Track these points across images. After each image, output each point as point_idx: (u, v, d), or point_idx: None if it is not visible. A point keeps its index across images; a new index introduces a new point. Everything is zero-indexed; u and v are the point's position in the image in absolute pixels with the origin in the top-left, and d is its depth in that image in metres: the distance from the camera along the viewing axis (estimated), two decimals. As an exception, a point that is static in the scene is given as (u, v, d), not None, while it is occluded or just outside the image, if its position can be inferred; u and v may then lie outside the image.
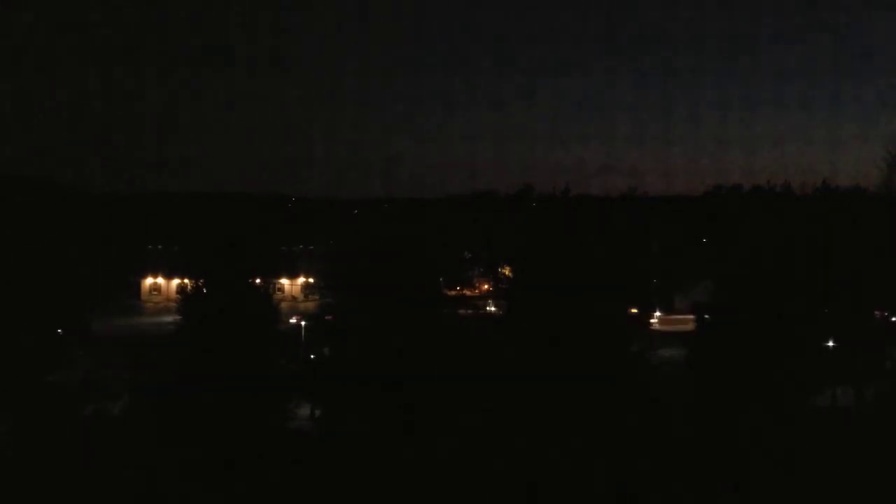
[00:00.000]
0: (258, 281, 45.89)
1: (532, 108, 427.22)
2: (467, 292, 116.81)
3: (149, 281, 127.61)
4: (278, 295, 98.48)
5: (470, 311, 59.12)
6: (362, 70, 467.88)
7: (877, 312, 62.70)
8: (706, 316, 46.76)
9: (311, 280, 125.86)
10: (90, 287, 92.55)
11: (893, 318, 64.21)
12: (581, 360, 36.84)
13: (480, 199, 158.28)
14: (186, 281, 71.86)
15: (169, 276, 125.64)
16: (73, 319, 70.72)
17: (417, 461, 35.55)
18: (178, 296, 74.36)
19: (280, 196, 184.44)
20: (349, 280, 43.28)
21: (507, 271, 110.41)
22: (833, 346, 58.18)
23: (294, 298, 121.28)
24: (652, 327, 73.12)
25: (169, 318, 45.58)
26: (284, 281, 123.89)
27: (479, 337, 43.33)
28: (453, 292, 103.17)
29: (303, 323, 67.61)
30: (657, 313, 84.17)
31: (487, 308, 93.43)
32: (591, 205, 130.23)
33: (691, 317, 50.27)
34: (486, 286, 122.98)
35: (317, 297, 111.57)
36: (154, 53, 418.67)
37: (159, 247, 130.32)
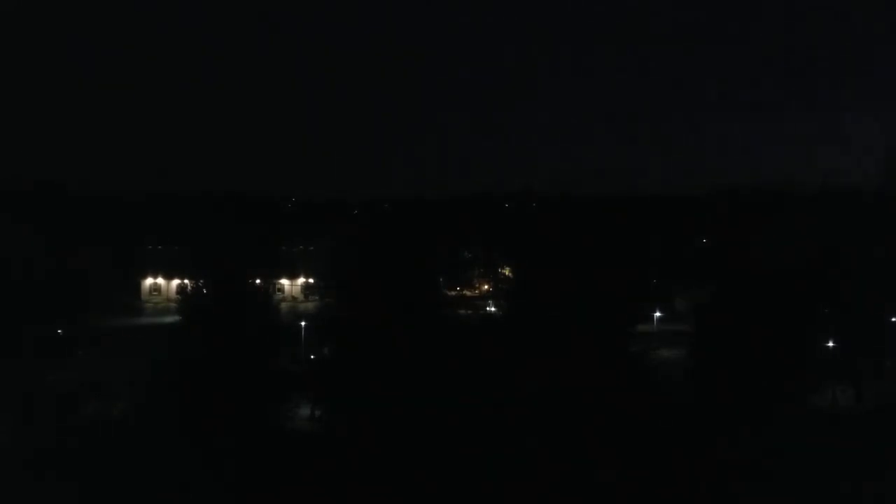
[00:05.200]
0: (258, 281, 45.98)
1: (532, 107, 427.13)
2: (467, 292, 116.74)
3: (149, 281, 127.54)
4: (278, 295, 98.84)
5: (470, 311, 59.12)
6: (363, 70, 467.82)
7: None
8: (707, 316, 46.87)
9: (311, 280, 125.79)
10: (90, 287, 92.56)
11: (894, 319, 64.22)
12: (581, 359, 36.85)
13: (480, 199, 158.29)
14: (186, 281, 71.84)
15: (169, 276, 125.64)
16: (73, 320, 70.89)
17: (417, 460, 35.54)
18: (178, 296, 74.61)
19: (280, 196, 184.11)
20: (349, 280, 43.30)
21: (507, 271, 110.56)
22: (833, 346, 58.25)
23: (294, 299, 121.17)
24: None
25: (169, 319, 45.71)
26: (284, 281, 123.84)
27: (478, 337, 43.31)
28: (453, 292, 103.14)
29: (303, 323, 67.59)
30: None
31: (487, 308, 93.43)
32: (590, 205, 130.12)
33: None
34: (486, 286, 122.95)
35: (317, 297, 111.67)
36: (154, 53, 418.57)
37: (159, 247, 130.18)
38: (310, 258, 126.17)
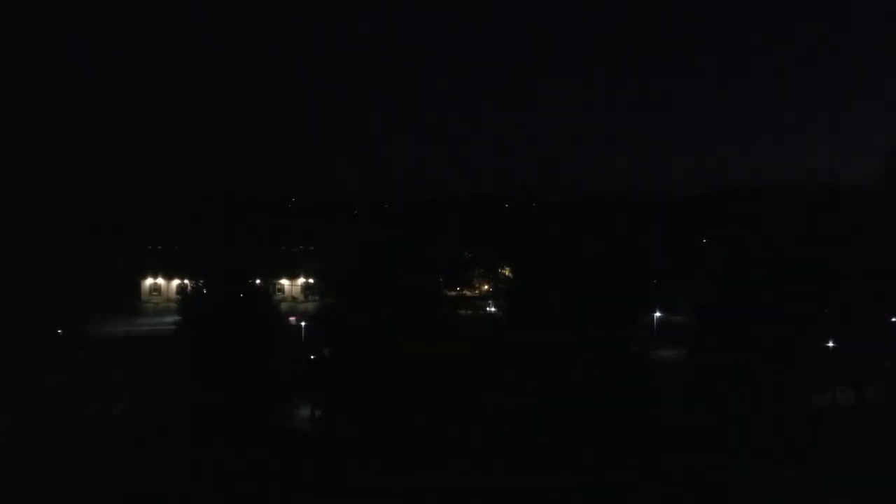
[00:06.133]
0: (258, 281, 45.94)
1: (533, 107, 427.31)
2: (467, 292, 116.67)
3: (149, 281, 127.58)
4: (278, 295, 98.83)
5: (470, 312, 59.14)
6: (362, 69, 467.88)
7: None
8: (706, 316, 46.82)
9: (311, 280, 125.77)
10: (90, 288, 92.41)
11: (894, 319, 64.13)
12: (581, 360, 36.86)
13: (480, 199, 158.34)
14: (186, 281, 71.73)
15: (169, 276, 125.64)
16: (74, 320, 70.71)
17: (417, 460, 35.54)
18: (178, 296, 74.54)
19: (280, 196, 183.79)
20: (349, 281, 43.29)
21: (507, 271, 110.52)
22: (833, 346, 58.20)
23: (294, 299, 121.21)
24: None
25: (169, 319, 45.68)
26: (284, 281, 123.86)
27: (479, 338, 43.31)
28: (453, 292, 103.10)
29: (303, 323, 67.57)
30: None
31: (487, 308, 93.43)
32: (591, 205, 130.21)
33: None
34: (486, 286, 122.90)
35: (317, 297, 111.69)
36: (153, 53, 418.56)
37: (159, 247, 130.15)
38: (310, 258, 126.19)
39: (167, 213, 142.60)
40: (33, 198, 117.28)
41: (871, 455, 42.36)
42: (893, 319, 63.62)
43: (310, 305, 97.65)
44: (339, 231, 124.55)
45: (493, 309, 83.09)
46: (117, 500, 35.65)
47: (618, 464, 34.85)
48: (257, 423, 38.52)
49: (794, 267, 49.76)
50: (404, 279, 41.22)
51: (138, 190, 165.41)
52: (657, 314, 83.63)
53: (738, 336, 43.21)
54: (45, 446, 39.80)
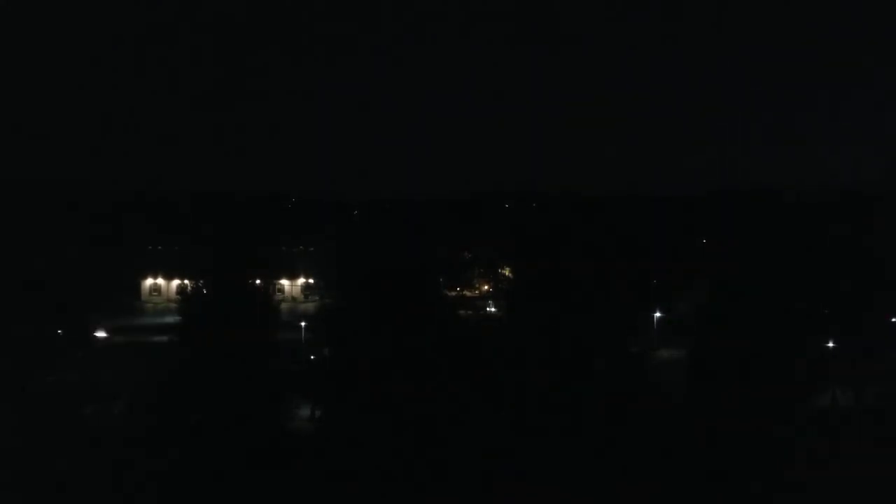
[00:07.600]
0: (258, 281, 45.95)
1: (532, 106, 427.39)
2: (467, 292, 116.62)
3: (149, 281, 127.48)
4: (278, 295, 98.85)
5: (470, 312, 59.19)
6: (362, 69, 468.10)
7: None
8: (706, 317, 46.85)
9: (311, 280, 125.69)
10: (90, 287, 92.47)
11: (894, 319, 64.24)
12: (581, 360, 36.88)
13: (480, 199, 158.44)
14: (186, 281, 71.89)
15: (169, 276, 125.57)
16: (73, 320, 70.79)
17: (417, 462, 35.53)
18: (178, 296, 74.73)
19: (280, 196, 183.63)
20: (349, 281, 43.33)
21: (507, 271, 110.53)
22: (833, 346, 58.29)
23: (294, 299, 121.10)
24: None
25: (169, 319, 45.75)
26: (284, 281, 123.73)
27: (479, 338, 43.33)
28: (453, 292, 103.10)
29: (303, 324, 67.55)
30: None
31: (487, 308, 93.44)
32: (590, 205, 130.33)
33: None
34: (486, 286, 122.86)
35: (317, 297, 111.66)
36: (154, 52, 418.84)
37: (159, 247, 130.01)
38: (310, 258, 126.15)
39: (167, 213, 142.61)
40: (33, 198, 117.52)
41: (871, 455, 42.37)
42: (894, 320, 63.74)
43: (310, 306, 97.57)
44: (339, 231, 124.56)
45: (493, 309, 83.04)
46: (116, 500, 35.65)
47: (618, 464, 34.85)
48: (257, 423, 38.50)
49: (793, 266, 49.85)
50: (404, 279, 41.23)
51: (139, 189, 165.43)
52: (657, 314, 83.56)
53: (738, 336, 43.23)
54: (45, 448, 39.80)
